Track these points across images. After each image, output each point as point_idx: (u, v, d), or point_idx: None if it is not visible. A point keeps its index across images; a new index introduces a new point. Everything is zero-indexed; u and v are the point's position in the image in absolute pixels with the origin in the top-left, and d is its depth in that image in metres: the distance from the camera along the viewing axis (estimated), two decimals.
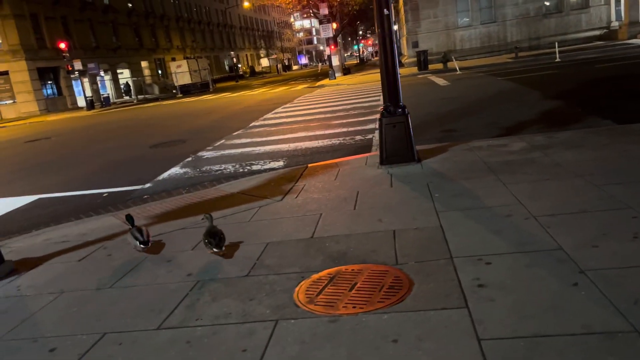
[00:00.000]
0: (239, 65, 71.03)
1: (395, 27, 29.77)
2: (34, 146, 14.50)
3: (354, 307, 2.61)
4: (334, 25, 30.66)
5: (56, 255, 4.17)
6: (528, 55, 23.98)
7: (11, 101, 37.04)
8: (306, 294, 2.84)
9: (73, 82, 40.14)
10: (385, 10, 5.25)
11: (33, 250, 4.45)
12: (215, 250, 3.58)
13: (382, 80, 5.51)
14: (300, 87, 27.64)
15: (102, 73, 42.51)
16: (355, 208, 4.33)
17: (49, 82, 39.78)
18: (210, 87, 41.12)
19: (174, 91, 41.01)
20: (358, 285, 2.86)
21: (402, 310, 2.51)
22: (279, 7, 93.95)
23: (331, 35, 28.07)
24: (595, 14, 27.53)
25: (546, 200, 3.82)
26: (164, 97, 38.81)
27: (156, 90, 48.98)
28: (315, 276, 3.05)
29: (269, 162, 7.44)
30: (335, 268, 3.13)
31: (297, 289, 2.91)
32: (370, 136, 8.42)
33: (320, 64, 70.15)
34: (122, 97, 46.33)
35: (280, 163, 7.30)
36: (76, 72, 35.56)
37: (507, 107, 9.73)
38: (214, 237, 3.59)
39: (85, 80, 37.90)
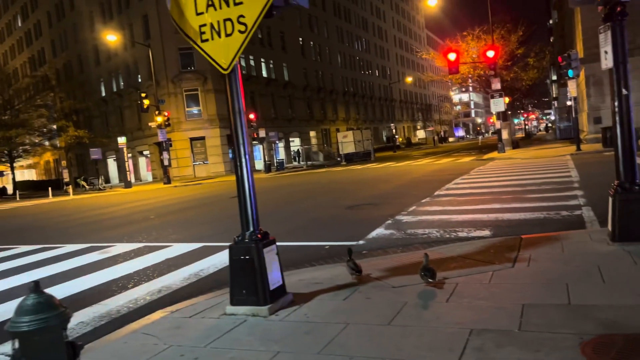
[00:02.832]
0: (397, 136, 73.29)
1: (570, 101, 28.38)
2: None
3: None
4: (506, 99, 30.42)
5: (320, 293, 4.91)
6: None
7: (204, 162, 43.24)
8: (594, 353, 3.01)
9: (253, 147, 45.67)
10: (624, 90, 5.37)
11: (292, 287, 5.26)
12: (430, 280, 4.55)
13: (617, 156, 5.53)
14: (466, 159, 27.57)
15: (277, 140, 47.67)
16: (604, 281, 4.36)
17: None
18: (372, 156, 43.10)
19: (338, 159, 43.89)
20: None
21: None
22: (439, 82, 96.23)
23: (502, 109, 27.85)
24: None
25: None
26: (329, 164, 41.72)
27: (321, 157, 52.90)
28: (595, 339, 3.20)
29: (474, 231, 7.67)
30: (614, 334, 3.25)
31: (581, 346, 3.10)
32: (577, 212, 8.19)
33: (480, 137, 68.89)
34: (292, 162, 50.91)
35: (487, 232, 7.49)
36: (258, 139, 40.43)
37: None
38: (429, 270, 4.56)
39: (264, 146, 42.90)
